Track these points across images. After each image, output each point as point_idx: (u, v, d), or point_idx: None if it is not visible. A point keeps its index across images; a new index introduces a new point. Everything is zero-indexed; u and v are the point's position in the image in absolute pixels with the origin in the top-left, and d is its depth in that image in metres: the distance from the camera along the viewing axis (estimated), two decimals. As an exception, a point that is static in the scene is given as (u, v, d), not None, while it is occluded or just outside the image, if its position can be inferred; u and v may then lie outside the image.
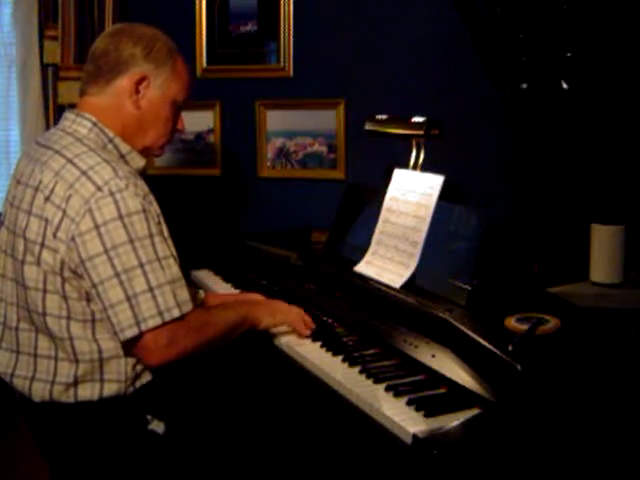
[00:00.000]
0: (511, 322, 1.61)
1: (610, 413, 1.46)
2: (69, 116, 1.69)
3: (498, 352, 1.48)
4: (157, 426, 1.68)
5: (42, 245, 1.55)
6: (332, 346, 1.79)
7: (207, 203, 3.02)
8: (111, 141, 1.67)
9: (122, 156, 1.68)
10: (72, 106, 2.90)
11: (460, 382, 1.50)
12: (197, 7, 2.91)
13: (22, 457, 2.69)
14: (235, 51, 2.91)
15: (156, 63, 1.69)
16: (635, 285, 2.08)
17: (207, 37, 2.92)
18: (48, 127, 2.97)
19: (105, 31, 1.74)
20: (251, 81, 2.91)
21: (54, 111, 2.95)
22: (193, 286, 2.14)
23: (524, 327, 1.55)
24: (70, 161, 1.57)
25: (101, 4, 2.87)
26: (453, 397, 1.49)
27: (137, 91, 1.68)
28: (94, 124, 1.66)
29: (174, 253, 1.61)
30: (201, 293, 2.11)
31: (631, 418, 1.47)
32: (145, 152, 1.75)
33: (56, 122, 2.95)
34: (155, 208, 1.61)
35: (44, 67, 2.95)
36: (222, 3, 2.90)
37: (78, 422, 1.63)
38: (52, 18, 2.90)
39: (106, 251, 1.50)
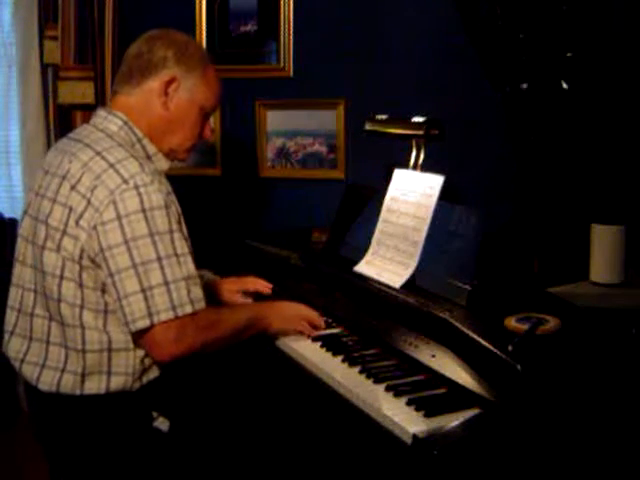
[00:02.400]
0: (511, 322, 1.61)
1: (610, 413, 1.46)
2: (101, 113, 1.73)
3: (498, 352, 1.48)
4: (162, 424, 1.69)
5: (64, 232, 1.58)
6: (332, 346, 1.79)
7: (207, 203, 3.02)
8: (140, 141, 1.71)
9: (149, 157, 1.71)
10: (72, 106, 2.94)
11: (460, 382, 1.50)
12: (197, 7, 2.91)
13: (22, 455, 2.69)
14: (235, 51, 2.91)
15: (187, 67, 1.73)
16: (635, 285, 2.08)
17: (207, 37, 2.92)
18: (48, 127, 2.97)
19: (141, 35, 1.78)
20: (251, 81, 2.91)
21: (54, 111, 2.96)
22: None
23: (524, 327, 1.55)
24: (99, 154, 1.61)
25: (101, 4, 2.87)
26: (453, 397, 1.49)
27: (166, 93, 1.72)
28: (125, 123, 1.70)
29: (192, 252, 1.64)
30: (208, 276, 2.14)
31: (631, 418, 1.47)
32: (170, 155, 1.78)
33: (56, 122, 2.99)
34: (177, 207, 1.64)
35: (44, 67, 2.95)
36: (222, 3, 2.90)
37: (83, 416, 1.64)
38: (52, 18, 2.90)
39: (126, 242, 1.53)
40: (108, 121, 1.70)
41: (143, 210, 1.54)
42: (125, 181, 1.55)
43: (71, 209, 1.57)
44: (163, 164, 1.75)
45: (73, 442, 1.66)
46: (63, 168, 1.63)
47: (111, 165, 1.58)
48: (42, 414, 1.71)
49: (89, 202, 1.56)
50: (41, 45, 2.94)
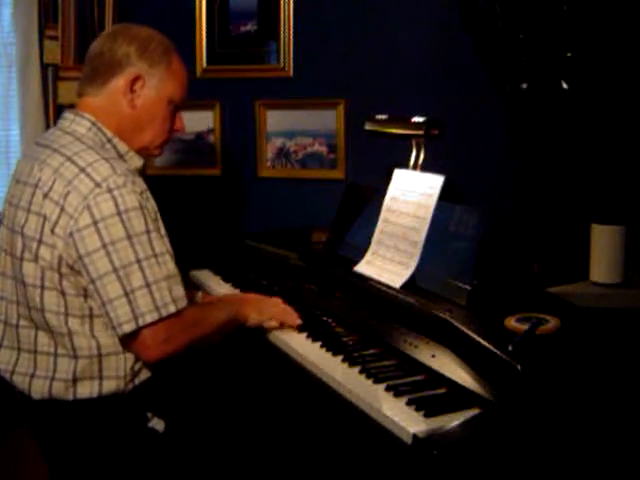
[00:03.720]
0: (511, 322, 1.61)
1: (610, 413, 1.46)
2: (68, 116, 1.70)
3: (498, 352, 1.48)
4: (157, 424, 1.68)
5: (40, 241, 1.56)
6: (332, 346, 1.79)
7: (207, 203, 3.02)
8: (109, 141, 1.68)
9: (120, 156, 1.69)
10: (72, 106, 2.91)
11: (460, 382, 1.50)
12: (197, 7, 2.91)
13: (22, 457, 2.69)
14: (235, 51, 2.91)
15: (150, 62, 1.69)
16: (635, 285, 2.08)
17: (207, 37, 2.91)
18: (48, 127, 2.97)
19: (101, 33, 1.76)
20: (251, 81, 2.91)
21: (54, 111, 2.95)
22: (191, 287, 2.15)
23: (524, 327, 1.55)
24: (69, 159, 1.58)
25: (101, 4, 2.87)
26: (453, 397, 1.49)
27: (132, 90, 1.69)
28: (93, 124, 1.67)
29: (170, 250, 1.63)
30: (199, 295, 2.12)
31: (631, 418, 1.47)
32: (143, 152, 1.76)
33: (56, 122, 2.97)
34: (152, 205, 1.62)
35: (44, 67, 2.94)
36: (222, 3, 2.89)
37: (78, 420, 1.63)
38: (52, 18, 2.90)
39: (104, 246, 1.52)
40: (76, 123, 1.67)
41: (119, 213, 1.53)
42: (98, 185, 1.53)
43: (45, 218, 1.55)
44: (136, 162, 1.72)
45: (70, 446, 1.66)
46: (34, 176, 1.60)
47: (82, 169, 1.55)
48: (37, 420, 1.70)
49: (63, 209, 1.54)
50: (41, 45, 2.93)
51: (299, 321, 1.90)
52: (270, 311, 1.90)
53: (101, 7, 2.87)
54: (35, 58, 2.95)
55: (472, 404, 1.44)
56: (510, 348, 1.46)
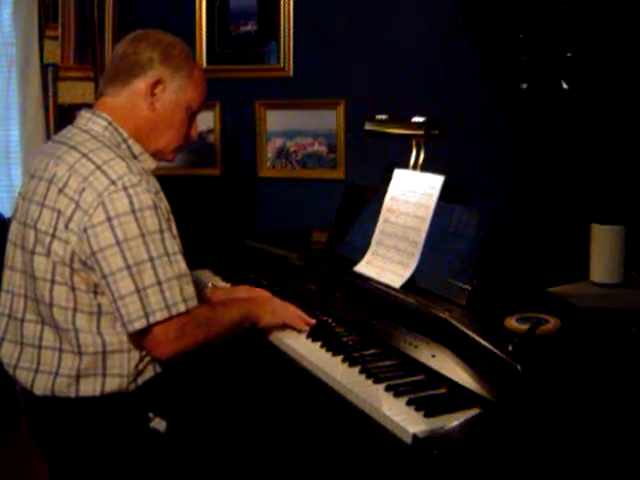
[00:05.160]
0: (511, 322, 1.61)
1: (610, 413, 1.46)
2: (85, 114, 1.72)
3: (498, 352, 1.48)
4: (159, 424, 1.69)
5: (53, 236, 1.58)
6: (332, 346, 1.79)
7: (207, 203, 3.02)
8: (125, 141, 1.70)
9: (134, 157, 1.71)
10: (72, 106, 2.94)
11: (460, 382, 1.50)
12: (197, 7, 2.91)
13: (22, 456, 2.69)
14: (235, 51, 2.91)
15: (173, 68, 1.72)
16: (635, 285, 2.08)
17: (207, 37, 2.92)
18: (48, 127, 2.97)
19: (126, 36, 1.78)
20: (251, 81, 2.91)
21: (54, 111, 2.95)
22: (200, 282, 2.16)
23: (524, 327, 1.55)
24: (85, 155, 1.60)
25: (101, 4, 2.87)
26: (453, 397, 1.49)
27: (152, 94, 1.72)
28: (109, 123, 1.69)
29: (182, 250, 1.65)
30: (208, 288, 2.14)
31: (631, 418, 1.47)
32: (157, 156, 1.78)
33: (56, 122, 2.99)
34: (166, 205, 1.64)
35: (44, 67, 2.95)
36: (222, 3, 2.90)
37: (79, 418, 1.64)
38: (52, 18, 2.90)
39: (118, 243, 1.53)
40: (92, 122, 1.69)
41: (133, 211, 1.54)
42: (113, 182, 1.55)
43: (60, 212, 1.57)
44: (150, 163, 1.74)
45: (71, 444, 1.66)
46: (49, 172, 1.62)
47: (98, 167, 1.57)
48: (38, 417, 1.71)
49: (77, 205, 1.55)
50: (41, 45, 2.94)
51: (307, 327, 1.91)
52: (283, 314, 1.91)
53: (101, 7, 2.87)
54: (35, 58, 2.95)
55: (472, 404, 1.44)
56: (510, 348, 1.46)
